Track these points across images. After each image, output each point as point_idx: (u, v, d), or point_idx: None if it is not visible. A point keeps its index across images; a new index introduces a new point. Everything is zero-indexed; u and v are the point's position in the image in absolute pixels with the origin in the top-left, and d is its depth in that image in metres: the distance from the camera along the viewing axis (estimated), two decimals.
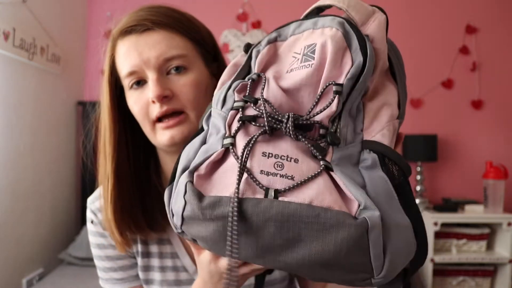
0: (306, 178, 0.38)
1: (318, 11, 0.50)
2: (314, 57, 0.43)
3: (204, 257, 0.53)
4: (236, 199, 0.37)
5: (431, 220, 2.21)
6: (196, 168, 0.42)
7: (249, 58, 0.49)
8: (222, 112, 0.46)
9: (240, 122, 0.42)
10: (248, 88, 0.44)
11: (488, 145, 2.61)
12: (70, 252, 2.01)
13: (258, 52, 0.48)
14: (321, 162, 0.40)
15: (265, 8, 2.60)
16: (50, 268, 2.11)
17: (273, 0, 2.61)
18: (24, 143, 1.91)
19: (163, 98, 0.61)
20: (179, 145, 0.62)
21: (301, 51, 0.45)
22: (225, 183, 0.40)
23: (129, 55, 0.62)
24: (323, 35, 0.44)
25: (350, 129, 0.43)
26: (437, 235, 2.26)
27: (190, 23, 0.67)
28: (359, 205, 0.38)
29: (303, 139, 0.40)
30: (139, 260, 0.72)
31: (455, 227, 2.31)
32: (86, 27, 2.59)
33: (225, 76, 0.51)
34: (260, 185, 0.38)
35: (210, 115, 0.49)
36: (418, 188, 2.46)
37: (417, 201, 2.44)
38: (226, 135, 0.43)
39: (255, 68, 0.47)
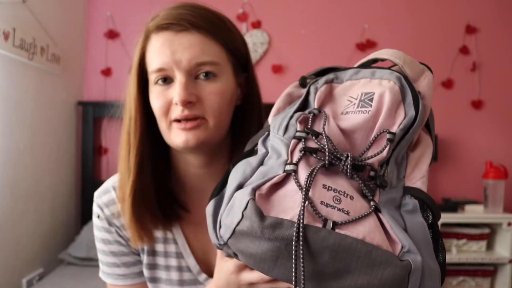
0: (360, 216, 0.42)
1: (373, 62, 0.54)
2: (371, 105, 0.47)
3: (227, 266, 0.54)
4: (301, 224, 0.40)
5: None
6: (258, 187, 0.45)
7: (308, 93, 0.53)
8: (284, 138, 0.48)
9: (303, 152, 0.45)
10: (309, 121, 0.48)
11: (488, 145, 2.61)
12: (70, 252, 2.01)
13: (316, 89, 0.52)
14: (371, 203, 0.44)
15: (265, 8, 2.60)
16: (50, 268, 2.11)
17: (273, 0, 2.61)
18: (24, 143, 1.91)
19: (187, 103, 0.61)
20: (192, 148, 0.63)
21: (358, 96, 0.49)
22: (284, 207, 0.42)
23: (162, 51, 0.62)
24: (381, 85, 0.48)
25: (395, 175, 0.47)
26: None
27: (228, 31, 0.66)
28: (402, 247, 0.41)
29: (357, 179, 0.44)
30: (145, 258, 0.72)
31: (455, 227, 2.31)
32: (86, 27, 2.59)
33: (281, 104, 0.56)
34: (320, 214, 0.41)
35: (267, 138, 0.52)
36: None
37: None
38: (288, 162, 0.46)
39: (314, 103, 0.51)
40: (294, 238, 0.39)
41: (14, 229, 1.83)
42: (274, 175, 0.45)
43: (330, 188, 0.43)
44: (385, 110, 0.46)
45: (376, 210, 0.43)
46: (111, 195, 0.73)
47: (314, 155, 0.45)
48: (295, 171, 0.44)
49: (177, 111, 0.62)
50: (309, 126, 0.48)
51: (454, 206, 2.32)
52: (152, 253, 0.73)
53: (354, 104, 0.49)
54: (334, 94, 0.52)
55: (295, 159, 0.45)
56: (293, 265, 0.40)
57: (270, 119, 0.55)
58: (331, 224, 0.41)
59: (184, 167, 0.71)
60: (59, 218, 2.27)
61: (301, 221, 0.40)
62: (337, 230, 0.40)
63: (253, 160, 0.50)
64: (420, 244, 0.43)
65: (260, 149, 0.52)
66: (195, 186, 0.73)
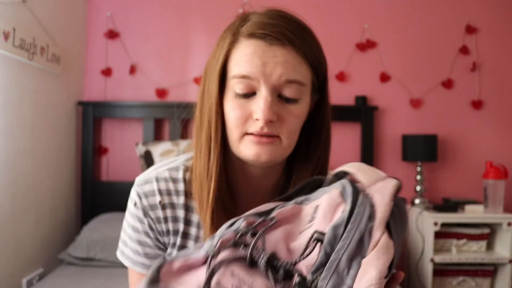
0: None
1: (344, 174, 0.53)
2: (315, 217, 0.46)
3: None
4: None
5: (431, 220, 2.21)
6: (172, 260, 0.46)
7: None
8: (227, 230, 0.48)
9: (232, 243, 0.45)
10: (256, 222, 0.48)
11: (488, 145, 2.61)
12: (70, 252, 2.01)
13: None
14: None
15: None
16: (50, 268, 2.11)
17: (273, 0, 2.60)
18: (24, 143, 1.91)
19: (268, 122, 0.60)
20: (262, 163, 0.63)
21: (311, 213, 0.49)
22: (188, 284, 0.44)
23: (252, 60, 0.59)
24: (327, 194, 0.48)
25: (332, 283, 0.41)
26: (437, 235, 2.26)
27: (317, 50, 0.65)
28: None
29: (270, 275, 0.42)
30: (178, 240, 0.72)
31: (455, 227, 2.31)
32: (86, 27, 2.59)
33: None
34: None
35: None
36: (418, 188, 2.46)
37: (417, 201, 2.44)
38: (215, 247, 0.45)
39: (273, 213, 0.50)
40: None
41: (14, 229, 1.84)
42: (194, 254, 0.46)
43: (236, 277, 0.42)
44: (320, 216, 0.45)
45: None
46: (153, 186, 0.71)
47: (241, 248, 0.44)
48: (213, 256, 0.44)
49: (255, 127, 0.60)
50: (253, 226, 0.47)
51: (454, 206, 2.32)
52: (186, 236, 0.73)
53: (307, 221, 0.48)
54: (300, 216, 0.50)
55: (219, 247, 0.45)
56: None
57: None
58: None
59: (242, 177, 0.71)
60: (59, 218, 2.27)
61: None
62: None
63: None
64: None
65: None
66: (245, 193, 0.73)
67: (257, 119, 0.60)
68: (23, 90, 1.90)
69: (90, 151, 2.47)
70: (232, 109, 0.62)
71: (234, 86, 0.61)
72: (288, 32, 0.60)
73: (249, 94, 0.61)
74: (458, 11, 2.62)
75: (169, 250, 0.73)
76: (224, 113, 0.64)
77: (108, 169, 2.55)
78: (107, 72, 2.57)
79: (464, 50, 2.60)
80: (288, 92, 0.60)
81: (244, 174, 0.70)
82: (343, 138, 2.59)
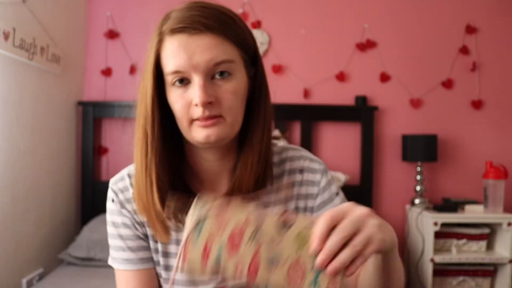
0: None
1: None
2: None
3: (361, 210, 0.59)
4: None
5: (431, 220, 2.21)
6: None
7: None
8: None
9: None
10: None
11: (488, 145, 2.61)
12: (70, 252, 2.01)
13: None
14: None
15: (265, 8, 2.60)
16: (50, 268, 2.11)
17: (273, 0, 2.61)
18: (24, 143, 1.91)
19: (207, 104, 0.64)
20: (212, 143, 0.67)
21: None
22: None
23: (178, 54, 0.64)
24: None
25: None
26: (437, 235, 2.26)
27: (239, 29, 0.68)
28: None
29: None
30: (159, 246, 0.76)
31: (455, 227, 2.31)
32: (86, 27, 2.59)
33: None
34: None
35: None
36: (418, 188, 2.46)
37: (417, 201, 2.44)
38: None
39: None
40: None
41: (14, 229, 1.84)
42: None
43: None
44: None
45: None
46: (126, 182, 0.77)
47: None
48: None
49: (198, 112, 0.65)
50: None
51: (454, 206, 2.32)
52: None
53: None
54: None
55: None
56: None
57: None
58: None
59: (198, 161, 0.75)
60: (59, 218, 2.27)
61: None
62: None
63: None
64: None
65: None
66: (207, 178, 0.77)
67: (196, 105, 0.64)
68: (23, 90, 1.90)
69: (90, 151, 2.47)
70: (175, 101, 0.67)
71: (172, 81, 0.66)
72: (203, 19, 0.64)
73: (186, 83, 0.66)
74: (458, 11, 2.62)
75: (151, 243, 0.77)
76: (170, 107, 0.68)
77: (108, 169, 2.55)
78: (107, 72, 2.57)
79: (464, 50, 2.60)
80: (219, 73, 0.65)
81: (201, 159, 0.75)
82: (343, 138, 2.59)
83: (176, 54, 0.64)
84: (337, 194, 0.79)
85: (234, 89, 0.66)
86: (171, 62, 0.65)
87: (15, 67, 1.83)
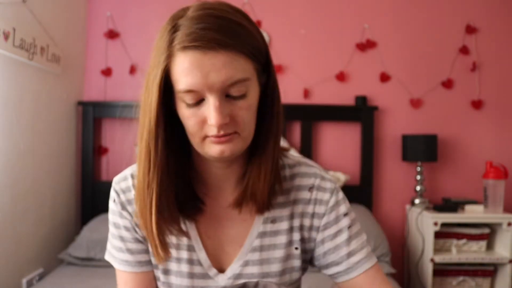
0: None
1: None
2: None
3: None
4: None
5: (431, 220, 2.21)
6: None
7: None
8: None
9: None
10: None
11: (488, 145, 2.61)
12: (70, 252, 2.01)
13: None
14: None
15: (265, 8, 2.60)
16: (50, 268, 2.11)
17: (273, 0, 2.61)
18: (24, 143, 1.91)
19: (223, 125, 0.62)
20: (227, 158, 0.66)
21: None
22: None
23: (192, 73, 0.60)
24: None
25: None
26: (437, 235, 2.26)
27: (252, 37, 0.64)
28: None
29: None
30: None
31: (455, 227, 2.31)
32: (86, 27, 2.59)
33: None
34: None
35: None
36: (418, 188, 2.46)
37: (417, 201, 2.44)
38: None
39: None
40: None
41: (14, 229, 1.84)
42: None
43: None
44: None
45: None
46: (128, 183, 0.76)
47: None
48: None
49: (212, 131, 0.63)
50: None
51: (454, 206, 2.32)
52: None
53: None
54: None
55: None
56: None
57: None
58: None
59: (206, 167, 0.75)
60: (59, 218, 2.27)
61: None
62: None
63: None
64: None
65: None
66: (214, 184, 0.76)
67: (211, 124, 0.62)
68: (23, 90, 1.90)
69: (90, 151, 2.47)
70: (187, 118, 0.64)
71: (183, 98, 0.63)
72: (217, 35, 0.59)
73: (199, 102, 0.63)
74: (458, 11, 2.62)
75: (152, 259, 0.77)
76: (180, 119, 0.66)
77: (108, 169, 2.55)
78: (107, 72, 2.57)
79: (464, 50, 2.60)
80: (234, 91, 0.62)
81: (209, 166, 0.74)
82: (343, 138, 2.59)
83: (189, 72, 0.60)
84: (345, 214, 0.76)
85: (248, 106, 0.64)
86: (184, 80, 0.61)
87: (15, 67, 1.83)
